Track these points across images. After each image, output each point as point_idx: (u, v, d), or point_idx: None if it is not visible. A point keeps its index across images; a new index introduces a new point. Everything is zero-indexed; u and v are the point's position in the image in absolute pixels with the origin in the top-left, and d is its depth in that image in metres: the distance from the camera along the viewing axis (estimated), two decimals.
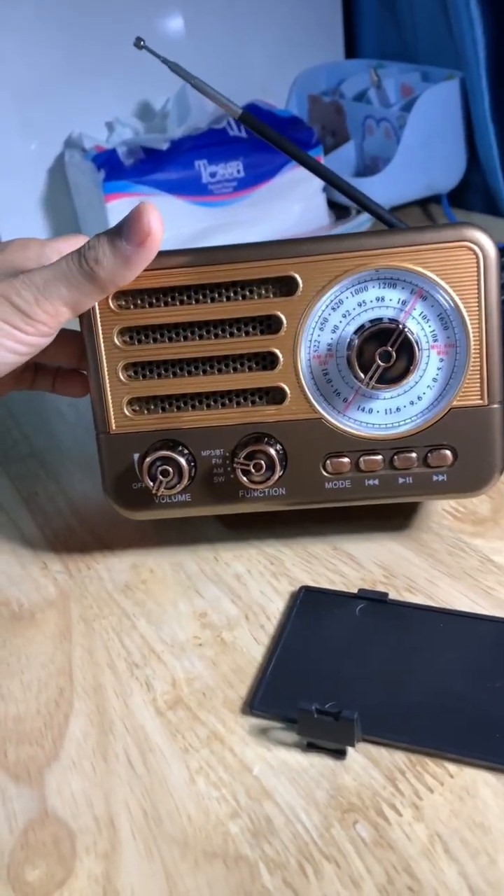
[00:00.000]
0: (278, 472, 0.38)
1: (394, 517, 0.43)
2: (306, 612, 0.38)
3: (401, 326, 0.36)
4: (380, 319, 0.37)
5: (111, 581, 0.42)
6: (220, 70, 0.90)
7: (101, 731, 0.34)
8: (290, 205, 0.84)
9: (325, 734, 0.31)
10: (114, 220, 0.78)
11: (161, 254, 0.36)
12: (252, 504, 0.40)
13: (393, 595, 0.38)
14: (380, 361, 0.36)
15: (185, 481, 0.39)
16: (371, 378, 0.36)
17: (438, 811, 0.29)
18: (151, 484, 0.38)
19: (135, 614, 0.40)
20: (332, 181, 0.43)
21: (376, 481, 0.39)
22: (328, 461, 0.39)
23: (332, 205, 0.87)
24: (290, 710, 0.33)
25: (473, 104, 0.80)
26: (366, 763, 0.31)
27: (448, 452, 0.38)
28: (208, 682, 0.36)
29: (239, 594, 0.40)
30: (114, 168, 0.76)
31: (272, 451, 0.38)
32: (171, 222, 0.82)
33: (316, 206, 0.85)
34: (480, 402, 0.37)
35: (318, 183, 0.84)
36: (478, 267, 0.36)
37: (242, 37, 0.90)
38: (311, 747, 0.32)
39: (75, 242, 0.41)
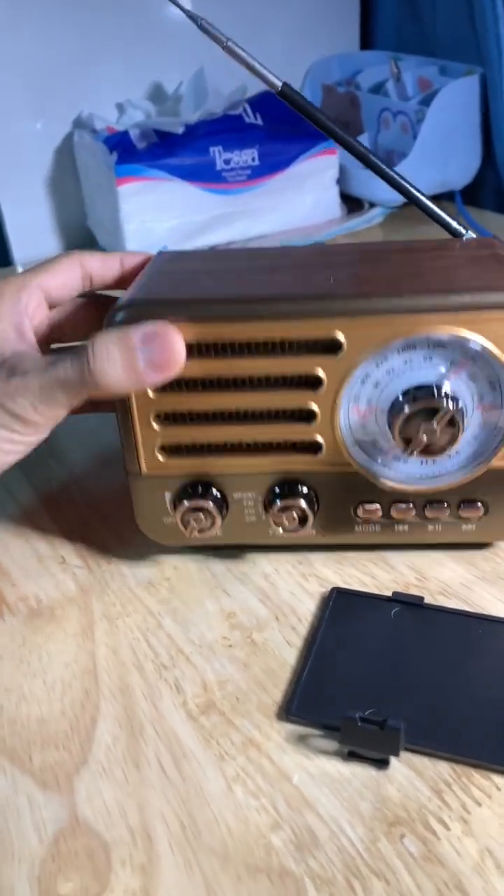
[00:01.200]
0: (310, 523, 0.38)
1: None
2: (339, 614, 0.37)
3: (450, 406, 0.34)
4: (428, 387, 0.34)
5: (133, 577, 0.41)
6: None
7: (130, 735, 0.33)
8: (303, 196, 0.82)
9: (368, 743, 0.30)
10: (125, 204, 0.77)
11: (200, 303, 0.34)
12: (281, 540, 0.40)
13: (427, 599, 0.37)
14: (423, 437, 0.34)
15: (217, 525, 0.38)
16: (412, 451, 0.35)
17: (487, 825, 0.28)
18: (184, 528, 0.38)
19: (160, 613, 0.39)
20: (377, 168, 0.41)
21: (406, 528, 0.39)
22: (360, 507, 0.38)
23: (345, 197, 0.85)
24: (327, 717, 0.32)
25: (493, 101, 0.79)
26: (410, 774, 0.30)
27: (480, 506, 0.37)
28: (240, 685, 0.34)
29: (268, 594, 0.39)
30: (126, 150, 0.74)
31: (304, 505, 0.37)
32: (184, 208, 0.81)
33: (329, 198, 0.84)
34: None
35: (332, 174, 0.83)
36: None
37: (257, 25, 0.88)
38: (352, 756, 0.31)
39: (63, 273, 0.40)
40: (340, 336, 0.34)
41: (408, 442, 0.35)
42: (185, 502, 0.37)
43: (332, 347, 0.34)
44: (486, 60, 0.78)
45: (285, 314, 0.34)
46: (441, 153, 0.81)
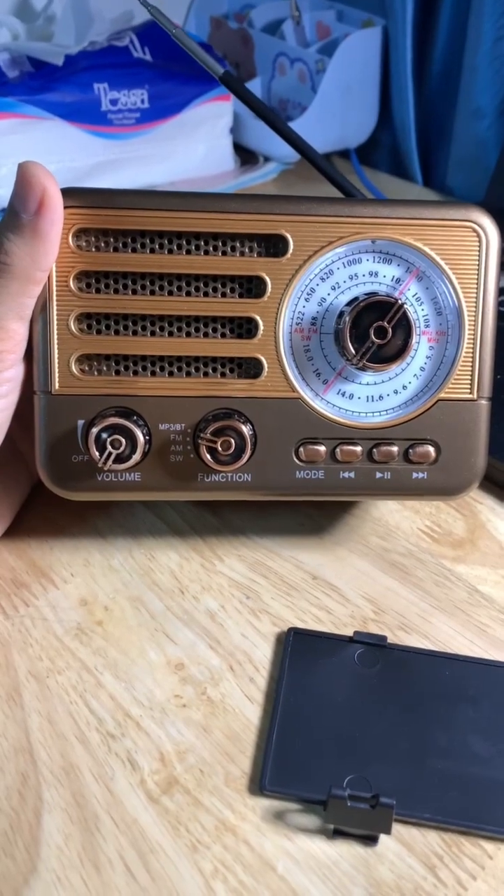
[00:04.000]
0: (248, 454, 0.34)
1: (370, 537, 0.40)
2: (299, 660, 0.34)
3: (400, 301, 0.32)
4: (374, 293, 0.33)
5: (59, 622, 0.36)
6: None
7: (84, 830, 0.28)
8: (195, 144, 0.75)
9: (357, 822, 0.28)
10: None
11: (133, 193, 0.33)
12: (211, 491, 0.35)
13: (387, 635, 0.35)
14: (374, 338, 0.32)
15: (139, 456, 0.33)
16: (363, 355, 0.33)
17: None
18: (98, 455, 0.33)
19: (97, 667, 0.34)
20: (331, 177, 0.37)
21: (352, 474, 0.35)
22: (302, 447, 0.35)
23: (238, 149, 0.79)
24: (306, 789, 0.30)
25: (394, 57, 0.76)
26: (399, 849, 0.28)
27: (431, 449, 0.35)
28: (203, 754, 0.31)
29: (217, 638, 0.35)
30: None
31: (244, 430, 0.33)
32: (63, 152, 0.71)
33: (222, 148, 0.77)
34: (469, 396, 0.35)
35: (226, 123, 0.76)
36: (480, 251, 0.34)
37: None
38: (337, 833, 0.29)
39: None
40: (287, 234, 0.33)
41: (358, 348, 0.33)
42: (104, 420, 0.33)
43: (277, 248, 0.33)
44: (388, 13, 0.74)
45: (231, 208, 0.33)
46: (341, 109, 0.77)
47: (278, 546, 0.40)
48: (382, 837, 0.29)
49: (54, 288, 0.33)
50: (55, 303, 0.33)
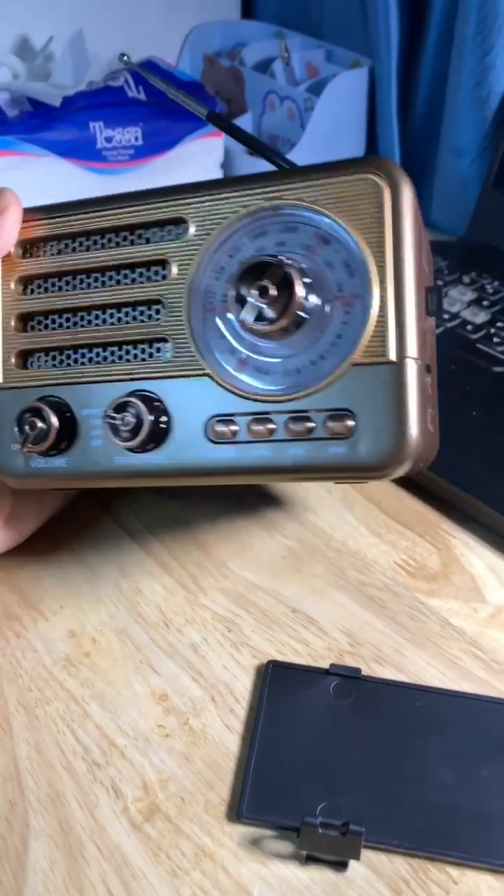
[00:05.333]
0: (146, 429, 0.33)
1: (348, 570, 0.42)
2: (277, 692, 0.36)
3: (279, 258, 0.31)
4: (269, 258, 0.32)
5: (48, 654, 0.37)
6: (111, 19, 0.80)
7: (69, 856, 0.30)
8: (186, 179, 0.77)
9: (328, 848, 0.30)
10: None
11: (67, 204, 0.36)
12: (130, 477, 0.35)
13: (362, 667, 0.37)
14: (257, 299, 0.31)
15: (52, 437, 0.34)
16: (248, 317, 0.31)
17: None
18: (19, 436, 0.35)
19: (84, 698, 0.35)
20: None
21: (266, 451, 0.33)
22: (213, 425, 0.33)
23: None
24: (280, 816, 0.31)
25: (379, 97, 0.78)
26: (368, 874, 0.30)
27: (349, 420, 0.31)
28: (184, 782, 0.33)
29: (199, 670, 0.37)
30: None
31: (141, 405, 0.33)
32: (61, 188, 0.73)
33: None
34: (388, 358, 0.31)
35: (217, 158, 0.79)
36: (387, 204, 0.31)
37: None
38: (310, 859, 0.30)
39: None
40: (185, 216, 0.34)
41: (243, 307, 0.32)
42: (30, 406, 0.35)
43: (180, 231, 0.35)
44: (375, 55, 0.76)
45: (133, 201, 0.35)
46: (328, 145, 0.79)
47: (260, 579, 0.41)
48: (352, 863, 0.30)
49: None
50: (1, 306, 0.37)
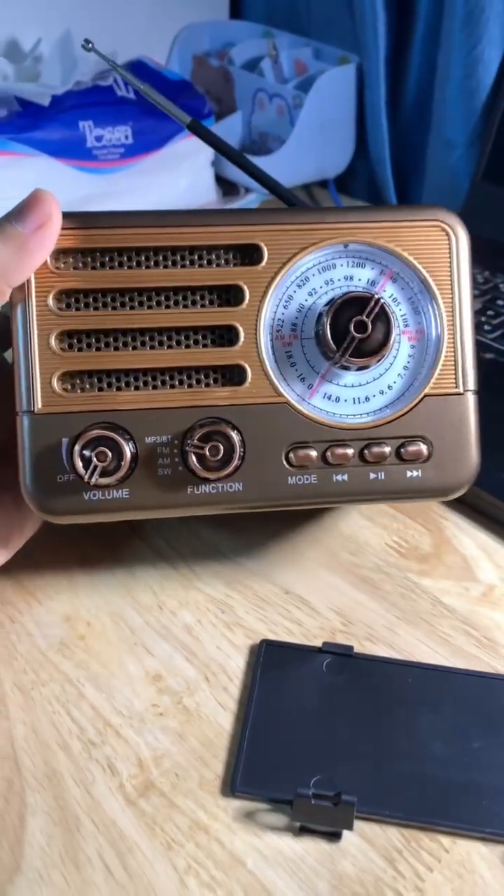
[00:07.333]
0: (237, 460, 0.33)
1: (340, 553, 0.42)
2: (271, 670, 0.36)
3: (377, 296, 0.33)
4: (352, 291, 0.34)
5: (43, 637, 0.38)
6: (100, 20, 0.81)
7: (66, 832, 0.30)
8: (176, 178, 0.78)
9: (321, 819, 0.30)
10: None
11: (110, 214, 0.34)
12: (203, 505, 0.34)
13: (355, 645, 0.37)
14: (354, 332, 0.33)
15: (125, 470, 0.33)
16: (345, 351, 0.33)
17: (440, 891, 0.29)
18: (83, 471, 0.32)
19: (79, 679, 0.36)
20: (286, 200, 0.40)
21: (345, 476, 0.35)
22: (292, 452, 0.34)
23: (220, 180, 0.82)
24: (274, 790, 0.31)
25: (368, 92, 0.79)
26: (361, 844, 0.30)
27: (423, 446, 0.35)
28: (178, 759, 0.33)
29: (193, 650, 0.37)
30: None
31: (232, 434, 0.33)
32: (50, 187, 0.74)
33: (203, 180, 0.80)
34: (455, 390, 0.36)
35: (207, 156, 0.79)
36: (450, 248, 0.36)
37: None
38: (303, 831, 0.30)
39: None
40: (261, 243, 0.35)
41: (339, 344, 0.33)
42: (89, 433, 0.32)
43: (252, 257, 0.35)
44: (363, 51, 0.77)
45: (206, 222, 0.34)
46: (318, 141, 0.80)
47: (253, 563, 0.42)
48: (346, 834, 0.30)
49: (34, 308, 0.33)
50: (35, 321, 0.33)
